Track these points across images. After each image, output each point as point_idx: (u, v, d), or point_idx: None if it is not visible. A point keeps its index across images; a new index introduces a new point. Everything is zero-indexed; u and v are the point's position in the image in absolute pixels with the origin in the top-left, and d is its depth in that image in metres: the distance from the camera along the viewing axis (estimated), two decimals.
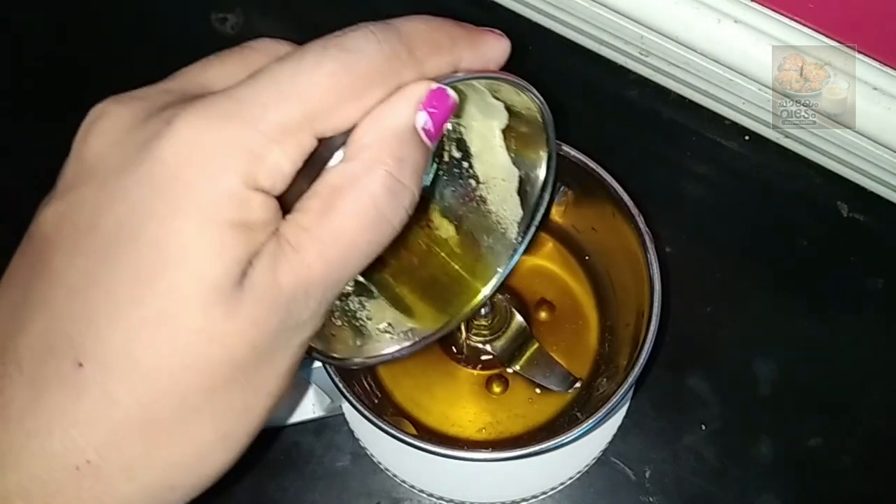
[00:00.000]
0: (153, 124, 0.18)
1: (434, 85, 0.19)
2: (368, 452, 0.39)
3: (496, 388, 0.39)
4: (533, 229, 0.27)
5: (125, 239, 0.17)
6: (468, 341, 0.39)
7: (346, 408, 0.38)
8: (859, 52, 0.42)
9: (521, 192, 0.27)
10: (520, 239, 0.27)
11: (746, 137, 0.50)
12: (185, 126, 0.17)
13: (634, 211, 0.34)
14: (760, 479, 0.43)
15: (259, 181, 0.17)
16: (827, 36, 0.42)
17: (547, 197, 0.26)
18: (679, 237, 0.47)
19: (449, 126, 0.25)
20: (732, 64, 0.45)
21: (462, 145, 0.26)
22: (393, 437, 0.31)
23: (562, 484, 0.38)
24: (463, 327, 0.38)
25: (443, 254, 0.28)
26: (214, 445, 0.19)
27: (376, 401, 0.38)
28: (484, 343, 0.38)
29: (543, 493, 0.38)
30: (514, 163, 0.26)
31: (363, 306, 0.27)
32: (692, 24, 0.44)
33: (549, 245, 0.42)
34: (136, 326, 0.17)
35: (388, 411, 0.38)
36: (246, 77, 0.18)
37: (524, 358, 0.38)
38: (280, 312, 0.18)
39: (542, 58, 0.51)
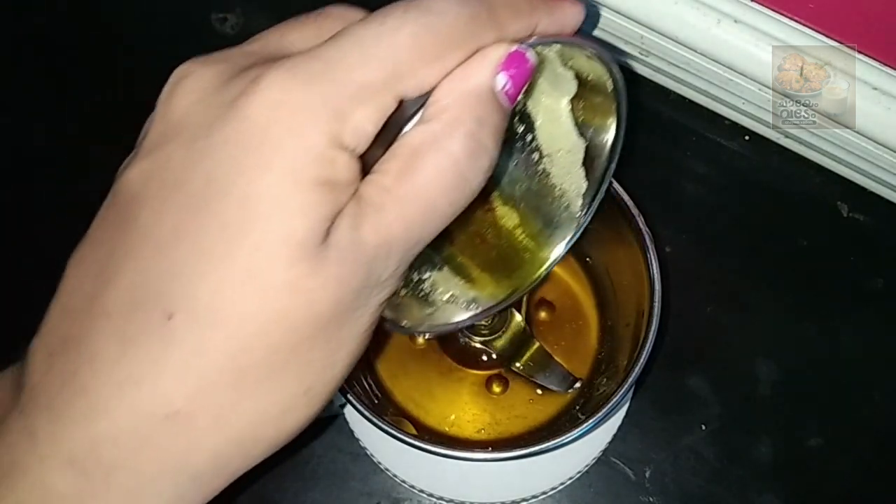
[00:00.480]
0: (239, 83, 0.18)
1: (514, 47, 0.19)
2: (368, 452, 0.39)
3: (496, 388, 0.39)
4: (598, 202, 0.27)
5: (214, 195, 0.17)
6: (468, 341, 0.39)
7: (347, 408, 0.38)
8: (859, 52, 0.42)
9: (587, 163, 0.26)
10: (584, 210, 0.27)
11: (746, 137, 0.50)
12: (273, 84, 0.17)
13: (634, 211, 0.34)
14: (760, 479, 0.43)
15: (344, 140, 0.18)
16: (827, 36, 0.42)
17: (612, 169, 0.26)
18: (679, 237, 0.47)
19: None
20: (732, 64, 0.45)
21: (525, 118, 0.26)
22: (393, 437, 0.31)
23: (562, 484, 0.38)
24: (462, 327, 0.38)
25: (506, 226, 0.28)
26: (298, 399, 0.19)
27: (376, 401, 0.38)
28: (484, 343, 0.38)
29: (543, 493, 0.38)
30: (580, 133, 0.26)
31: (429, 277, 0.27)
32: (692, 24, 0.44)
33: None
34: (224, 280, 0.17)
35: (388, 411, 0.38)
36: (327, 39, 0.18)
37: (524, 358, 0.38)
38: (362, 271, 0.18)
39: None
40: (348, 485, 0.42)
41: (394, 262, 0.19)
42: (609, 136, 0.25)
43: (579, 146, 0.26)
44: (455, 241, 0.28)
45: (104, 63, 0.51)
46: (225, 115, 0.18)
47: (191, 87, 0.19)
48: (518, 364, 0.38)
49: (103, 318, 0.18)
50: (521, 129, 0.26)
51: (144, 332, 0.18)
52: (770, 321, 0.46)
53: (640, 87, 0.51)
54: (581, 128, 0.26)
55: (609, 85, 0.23)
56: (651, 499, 0.42)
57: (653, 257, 0.34)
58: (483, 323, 0.38)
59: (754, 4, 0.43)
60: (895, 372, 0.45)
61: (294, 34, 0.20)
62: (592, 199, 0.27)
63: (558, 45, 0.22)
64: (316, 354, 0.19)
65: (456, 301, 0.27)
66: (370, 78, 0.18)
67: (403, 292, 0.26)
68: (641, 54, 0.49)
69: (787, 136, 0.49)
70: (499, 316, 0.38)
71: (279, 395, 0.19)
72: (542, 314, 0.41)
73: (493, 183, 0.27)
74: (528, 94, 0.25)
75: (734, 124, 0.50)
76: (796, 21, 0.43)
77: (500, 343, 0.38)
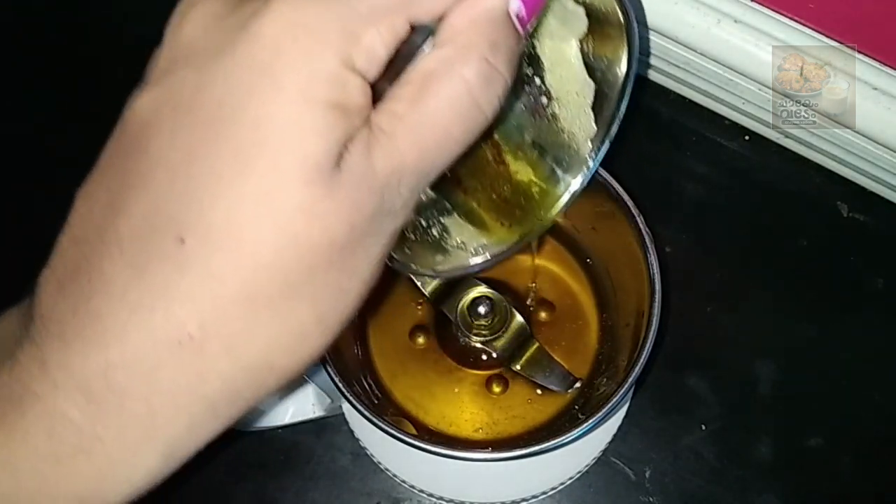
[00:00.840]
0: (250, 5, 0.18)
1: None
2: (368, 452, 0.39)
3: (496, 388, 0.39)
4: (607, 144, 0.26)
5: (226, 117, 0.17)
6: (469, 341, 0.39)
7: (346, 408, 0.38)
8: (859, 52, 0.42)
9: (595, 105, 0.26)
10: (593, 154, 0.27)
11: (746, 137, 0.50)
12: (285, 4, 0.17)
13: (634, 211, 0.34)
14: (760, 479, 0.43)
15: (356, 62, 0.17)
16: (827, 36, 0.42)
17: (624, 107, 0.25)
18: (679, 237, 0.47)
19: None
20: (732, 64, 0.45)
21: (534, 60, 0.26)
22: (393, 437, 0.31)
23: (562, 484, 0.38)
24: (463, 326, 0.38)
25: (515, 171, 0.28)
26: (312, 326, 0.19)
27: (376, 401, 0.38)
28: (484, 343, 0.38)
29: (543, 493, 0.38)
30: (590, 72, 0.25)
31: (438, 222, 0.26)
32: (692, 24, 0.44)
33: (549, 245, 0.42)
34: (238, 203, 0.17)
35: (388, 411, 0.38)
36: None
37: (524, 358, 0.38)
38: (375, 197, 0.18)
39: None
40: (348, 485, 0.42)
41: (406, 190, 0.19)
42: (621, 69, 0.25)
43: (589, 88, 0.26)
44: (464, 186, 0.27)
45: (109, 66, 0.51)
46: (236, 38, 0.17)
47: (200, 12, 0.19)
48: (518, 364, 0.38)
49: (115, 245, 0.18)
50: (530, 71, 0.26)
51: (157, 257, 0.17)
52: (770, 321, 0.46)
53: (640, 87, 0.51)
54: (591, 66, 0.25)
55: (619, 15, 0.23)
56: (651, 499, 0.42)
57: (653, 257, 0.34)
58: (483, 323, 0.38)
59: (754, 4, 0.43)
60: (895, 372, 0.45)
61: None
62: (602, 143, 0.26)
63: None
64: (329, 281, 0.18)
65: (466, 247, 0.27)
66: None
67: (413, 237, 0.25)
68: (641, 54, 0.49)
69: (787, 136, 0.49)
70: (499, 316, 0.38)
71: (293, 322, 0.18)
72: (542, 314, 0.41)
73: (502, 127, 0.27)
74: (537, 35, 0.25)
75: (734, 124, 0.50)
76: (796, 21, 0.43)
77: (500, 343, 0.38)
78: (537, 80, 0.26)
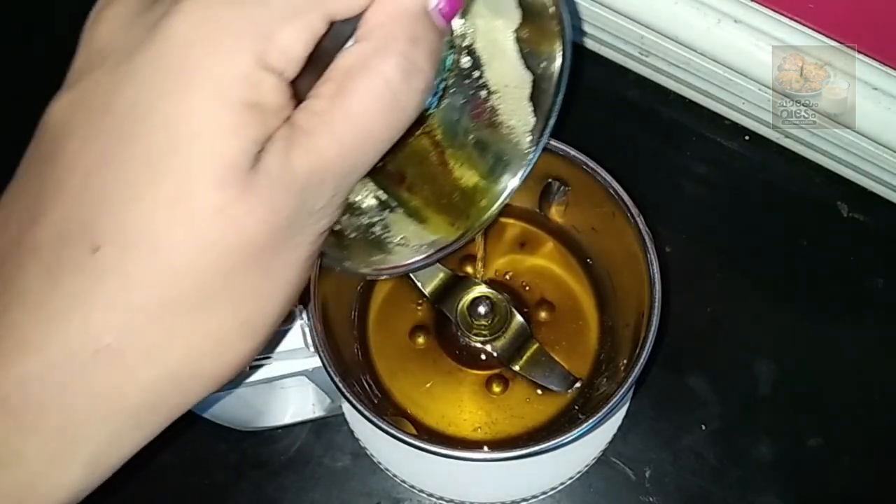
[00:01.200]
0: (162, 6, 0.17)
1: None
2: (368, 452, 0.39)
3: (496, 388, 0.39)
4: (546, 137, 0.26)
5: (139, 119, 0.17)
6: (468, 341, 0.39)
7: (346, 408, 0.38)
8: (859, 52, 0.42)
9: (534, 98, 0.26)
10: (533, 147, 0.27)
11: (746, 137, 0.50)
12: (195, 3, 0.17)
13: (634, 211, 0.34)
14: (760, 479, 0.43)
15: (270, 61, 0.17)
16: (827, 36, 0.42)
17: (560, 99, 0.25)
18: (679, 237, 0.47)
19: (458, 30, 0.25)
20: (732, 64, 0.45)
21: (472, 54, 0.26)
22: (393, 437, 0.31)
23: (562, 484, 0.38)
24: (463, 326, 0.38)
25: (455, 165, 0.28)
26: (234, 332, 0.18)
27: (376, 401, 0.38)
28: (484, 343, 0.38)
29: (543, 493, 0.38)
30: (527, 65, 0.25)
31: (381, 220, 0.26)
32: (692, 24, 0.44)
33: (549, 245, 0.42)
34: (151, 206, 0.17)
35: (388, 411, 0.38)
36: None
37: (524, 358, 0.38)
38: (295, 196, 0.18)
39: None
40: (348, 485, 0.42)
41: (329, 190, 0.18)
42: (556, 64, 0.25)
43: (526, 80, 0.26)
44: (408, 183, 0.27)
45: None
46: (147, 38, 0.17)
47: (113, 13, 0.18)
48: (518, 364, 0.38)
49: (32, 254, 0.17)
50: (468, 65, 0.26)
51: (73, 265, 0.17)
52: (770, 321, 0.46)
53: (640, 87, 0.51)
54: (528, 59, 0.25)
55: (551, 7, 0.23)
56: (651, 499, 0.42)
57: (653, 257, 0.34)
58: (483, 323, 0.38)
59: (754, 4, 0.43)
60: (895, 372, 0.45)
61: None
62: (541, 135, 0.26)
63: None
64: (249, 284, 0.18)
65: (407, 243, 0.26)
66: None
67: (354, 234, 0.25)
68: (641, 54, 0.49)
69: (787, 136, 0.49)
70: (499, 316, 0.38)
71: (212, 327, 0.18)
72: (542, 314, 0.41)
73: (443, 122, 0.27)
74: (473, 27, 0.25)
75: (734, 124, 0.50)
76: (796, 21, 0.43)
77: (500, 343, 0.38)
78: (476, 74, 0.26)
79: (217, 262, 0.17)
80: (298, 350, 0.32)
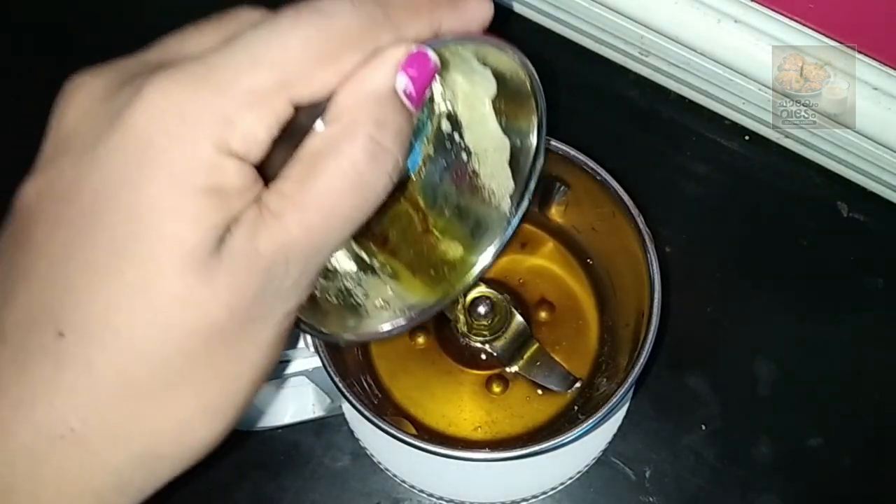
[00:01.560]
0: (126, 93, 0.18)
1: (413, 47, 0.19)
2: (368, 452, 0.39)
3: (496, 388, 0.39)
4: (526, 201, 0.27)
5: (101, 208, 0.17)
6: (468, 341, 0.39)
7: (346, 408, 0.38)
8: (859, 52, 0.42)
9: (513, 163, 0.26)
10: (513, 211, 0.27)
11: (746, 137, 0.50)
12: (155, 92, 0.17)
13: (634, 211, 0.34)
14: (760, 479, 0.43)
15: (232, 147, 0.17)
16: (827, 36, 0.42)
17: (539, 166, 0.26)
18: (679, 237, 0.47)
19: (438, 97, 0.25)
20: (732, 64, 0.45)
21: (452, 118, 0.26)
22: (393, 437, 0.31)
23: (562, 484, 0.38)
24: (463, 326, 0.38)
25: (436, 229, 0.28)
26: (198, 415, 0.19)
27: (376, 401, 0.38)
28: (484, 343, 0.38)
29: (543, 493, 0.38)
30: (506, 132, 0.26)
31: (359, 283, 0.27)
32: (692, 24, 0.44)
33: (549, 245, 0.42)
34: (114, 295, 0.17)
35: (388, 411, 0.38)
36: (220, 43, 0.18)
37: (524, 358, 0.38)
38: (258, 278, 0.18)
39: (542, 58, 0.51)
40: (348, 485, 0.42)
41: (295, 270, 0.18)
42: (533, 137, 0.25)
43: (505, 145, 0.26)
44: (388, 245, 0.27)
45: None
46: (110, 126, 0.17)
47: (80, 98, 0.18)
48: (518, 364, 0.38)
49: (0, 338, 0.18)
50: (448, 129, 0.26)
51: (38, 351, 0.17)
52: (770, 321, 0.46)
53: (640, 87, 0.51)
54: (506, 127, 0.26)
55: (527, 82, 0.23)
56: (651, 499, 0.42)
57: (653, 257, 0.34)
58: (483, 323, 0.38)
59: (754, 4, 0.43)
60: (895, 372, 0.45)
61: (193, 39, 0.20)
62: (521, 200, 0.27)
63: (469, 44, 0.22)
64: (213, 367, 0.18)
65: (387, 307, 0.27)
66: (259, 82, 0.17)
67: (335, 300, 0.26)
68: (641, 54, 0.49)
69: (787, 136, 0.49)
70: (499, 316, 0.38)
71: (176, 411, 0.18)
72: (542, 314, 0.41)
73: (425, 185, 0.27)
74: (449, 92, 0.25)
75: (734, 124, 0.50)
76: (796, 21, 0.43)
77: (500, 343, 0.38)
78: (457, 137, 0.26)
79: (179, 346, 0.18)
80: (298, 350, 0.32)
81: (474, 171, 0.27)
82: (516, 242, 0.42)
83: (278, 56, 0.17)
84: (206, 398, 0.19)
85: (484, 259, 0.28)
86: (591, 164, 0.35)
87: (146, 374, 0.18)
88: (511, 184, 0.27)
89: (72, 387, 0.17)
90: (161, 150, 0.17)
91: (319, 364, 0.33)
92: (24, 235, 0.18)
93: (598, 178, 0.35)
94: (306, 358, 0.33)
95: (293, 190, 0.18)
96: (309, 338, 0.33)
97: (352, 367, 0.38)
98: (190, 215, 0.17)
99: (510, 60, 0.22)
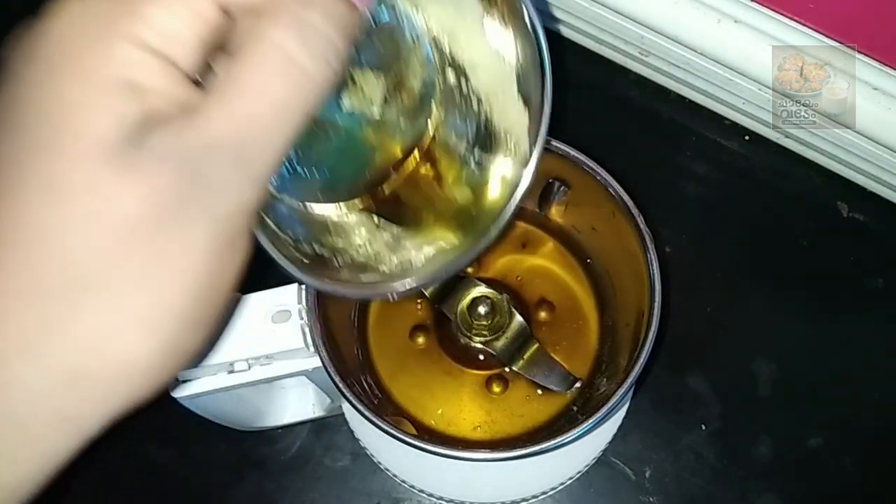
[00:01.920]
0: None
1: None
2: (368, 452, 0.39)
3: (496, 388, 0.39)
4: (543, 132, 0.25)
5: (20, 111, 0.17)
6: (468, 341, 0.39)
7: (346, 408, 0.38)
8: (859, 52, 0.42)
9: (523, 99, 0.25)
10: (533, 147, 0.26)
11: (746, 137, 0.50)
12: (71, 2, 0.17)
13: (634, 211, 0.34)
14: (760, 479, 0.43)
15: (148, 42, 0.17)
16: (827, 36, 0.42)
17: (549, 85, 0.25)
18: (679, 237, 0.47)
19: (428, 40, 0.25)
20: (732, 64, 0.45)
21: (457, 67, 0.26)
22: (393, 437, 0.31)
23: (562, 484, 0.38)
24: (463, 326, 0.38)
25: (465, 182, 0.27)
26: (126, 326, 0.17)
27: (376, 401, 0.38)
28: (484, 343, 0.38)
29: (543, 493, 0.38)
30: (506, 60, 0.25)
31: (370, 242, 0.26)
32: (692, 24, 0.44)
33: (549, 245, 0.42)
34: (26, 192, 0.16)
35: (388, 411, 0.38)
36: None
37: (524, 358, 0.38)
38: (181, 171, 0.17)
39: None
40: (348, 485, 0.42)
41: (224, 161, 0.17)
42: (532, 50, 0.24)
43: (509, 76, 0.25)
44: (419, 209, 0.27)
45: None
46: (30, 38, 0.17)
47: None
48: (518, 364, 0.38)
49: None
50: (454, 80, 0.26)
51: None
52: (770, 321, 0.46)
53: (640, 87, 0.51)
54: (507, 55, 0.25)
55: None
56: (651, 499, 0.42)
57: (653, 257, 0.34)
58: (483, 323, 0.38)
59: (754, 4, 0.43)
60: (895, 372, 0.45)
61: None
62: (538, 132, 0.25)
63: None
64: (137, 270, 0.17)
65: (401, 264, 0.26)
66: None
67: (346, 259, 0.25)
68: (641, 54, 0.49)
69: (787, 136, 0.49)
70: (499, 316, 0.38)
71: (97, 318, 0.17)
72: (542, 314, 0.41)
73: (446, 142, 0.27)
74: (451, 39, 0.25)
75: (734, 124, 0.50)
76: (796, 21, 0.43)
77: (500, 343, 0.38)
78: (464, 87, 0.26)
79: (95, 243, 0.16)
80: (298, 350, 0.32)
81: (487, 118, 0.26)
82: (516, 242, 0.42)
83: None
84: (130, 305, 0.17)
85: (511, 203, 0.26)
86: (591, 164, 0.35)
87: (60, 274, 0.16)
88: (526, 119, 0.26)
89: None
90: (74, 50, 0.17)
91: (319, 364, 0.33)
92: None
93: (598, 178, 0.35)
94: (306, 358, 0.33)
95: (221, 83, 0.17)
96: (309, 338, 0.33)
97: (352, 367, 0.38)
98: (103, 107, 0.16)
99: None
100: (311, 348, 0.33)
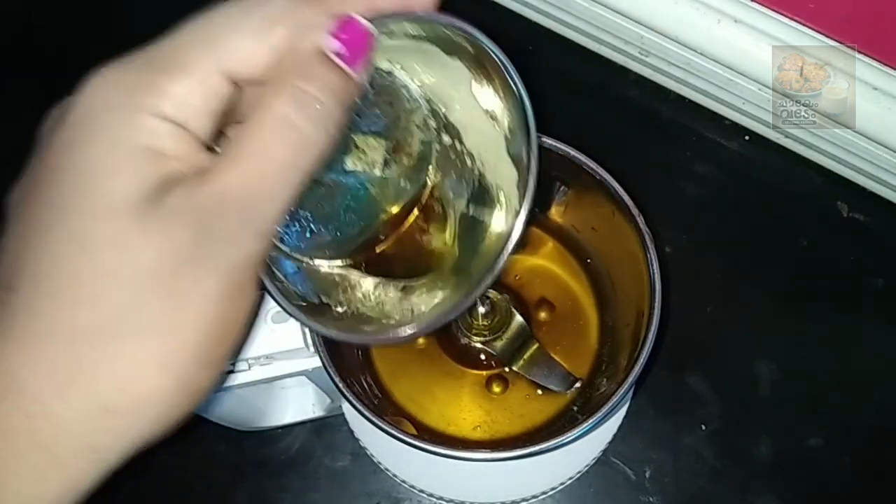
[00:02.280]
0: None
1: (343, 16, 0.20)
2: (368, 452, 0.39)
3: (496, 388, 0.39)
4: (532, 184, 0.27)
5: (51, 176, 0.19)
6: (469, 341, 0.39)
7: (346, 408, 0.38)
8: (859, 52, 0.42)
9: (512, 156, 0.27)
10: (521, 199, 0.27)
11: (746, 137, 0.50)
12: (99, 75, 0.19)
13: (634, 211, 0.34)
14: (760, 479, 0.43)
15: (166, 112, 0.19)
16: (827, 36, 0.42)
17: (535, 145, 0.26)
18: (679, 237, 0.47)
19: (424, 106, 0.26)
20: (732, 64, 0.45)
21: (451, 129, 0.27)
22: (393, 437, 0.31)
23: (562, 484, 0.38)
24: (463, 326, 0.38)
25: (459, 233, 0.29)
26: (146, 364, 0.19)
27: (376, 401, 0.38)
28: (484, 343, 0.38)
29: (543, 493, 0.38)
30: (496, 123, 0.26)
31: (369, 298, 0.27)
32: (692, 24, 0.44)
33: (549, 245, 0.42)
34: (59, 246, 0.18)
35: (388, 411, 0.38)
36: None
37: (524, 358, 0.38)
38: (193, 225, 0.19)
39: (542, 58, 0.51)
40: (348, 485, 0.42)
41: (233, 216, 0.19)
42: (517, 115, 0.26)
43: (499, 136, 0.27)
44: (418, 261, 0.28)
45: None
46: (62, 110, 0.19)
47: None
48: (518, 364, 0.38)
49: None
50: (449, 140, 0.27)
51: None
52: (770, 321, 0.46)
53: (640, 87, 0.51)
54: (497, 115, 0.26)
55: (493, 56, 0.23)
56: (651, 499, 0.42)
57: (653, 257, 0.34)
58: (484, 323, 0.38)
59: (754, 4, 0.43)
60: (895, 372, 0.45)
61: None
62: (525, 186, 0.27)
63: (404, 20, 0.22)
64: (156, 315, 0.19)
65: (395, 314, 0.27)
66: (185, 56, 0.19)
67: (346, 309, 0.26)
68: (641, 54, 0.49)
69: (787, 136, 0.49)
70: (499, 316, 0.38)
71: (121, 360, 0.19)
72: (542, 314, 0.41)
73: (443, 198, 0.28)
74: (445, 102, 0.26)
75: (734, 124, 0.50)
76: (796, 21, 0.43)
77: (500, 343, 0.38)
78: (458, 146, 0.27)
79: (118, 293, 0.18)
80: (298, 350, 0.32)
81: (480, 173, 0.28)
82: None
83: (207, 34, 0.19)
84: (151, 347, 0.19)
85: (504, 252, 0.27)
86: (591, 164, 0.35)
87: (89, 318, 0.18)
88: (514, 173, 0.27)
89: (19, 336, 0.18)
90: (100, 119, 0.19)
91: (319, 364, 0.33)
92: (5, 228, 0.20)
93: (598, 178, 0.35)
94: (306, 358, 0.33)
95: (231, 147, 0.19)
96: (309, 338, 0.33)
97: (352, 367, 0.38)
98: (127, 170, 0.18)
99: (475, 44, 0.23)
100: (311, 348, 0.33)
